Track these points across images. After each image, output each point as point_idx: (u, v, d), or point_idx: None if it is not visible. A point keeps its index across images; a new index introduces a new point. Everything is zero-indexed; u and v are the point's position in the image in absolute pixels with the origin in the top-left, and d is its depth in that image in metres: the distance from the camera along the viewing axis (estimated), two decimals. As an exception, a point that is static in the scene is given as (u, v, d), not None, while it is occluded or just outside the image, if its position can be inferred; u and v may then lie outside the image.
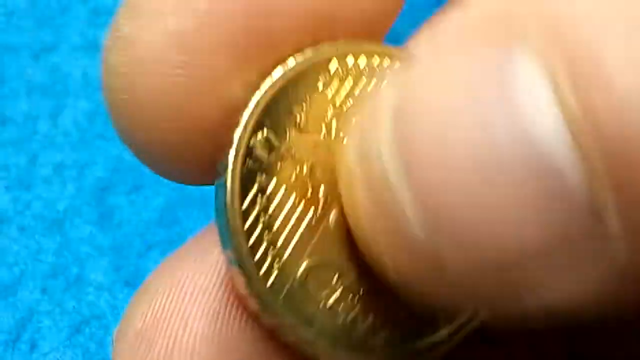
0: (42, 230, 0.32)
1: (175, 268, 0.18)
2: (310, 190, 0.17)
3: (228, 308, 0.18)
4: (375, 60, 0.18)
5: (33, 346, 0.30)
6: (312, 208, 0.17)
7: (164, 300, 0.18)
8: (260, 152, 0.17)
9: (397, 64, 0.18)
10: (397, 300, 0.16)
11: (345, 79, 0.17)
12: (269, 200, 0.17)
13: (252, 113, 0.17)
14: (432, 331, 0.17)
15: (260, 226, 0.17)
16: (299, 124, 0.17)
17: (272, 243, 0.17)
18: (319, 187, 0.17)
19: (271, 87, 0.17)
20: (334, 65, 0.17)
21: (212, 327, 0.18)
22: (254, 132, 0.17)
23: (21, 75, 0.34)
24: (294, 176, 0.17)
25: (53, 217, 0.32)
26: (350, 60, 0.17)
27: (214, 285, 0.18)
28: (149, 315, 0.18)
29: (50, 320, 0.30)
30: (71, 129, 0.33)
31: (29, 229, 0.32)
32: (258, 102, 0.17)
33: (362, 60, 0.18)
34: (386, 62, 0.18)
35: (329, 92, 0.17)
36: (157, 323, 0.18)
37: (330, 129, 0.17)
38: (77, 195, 0.32)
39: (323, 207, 0.17)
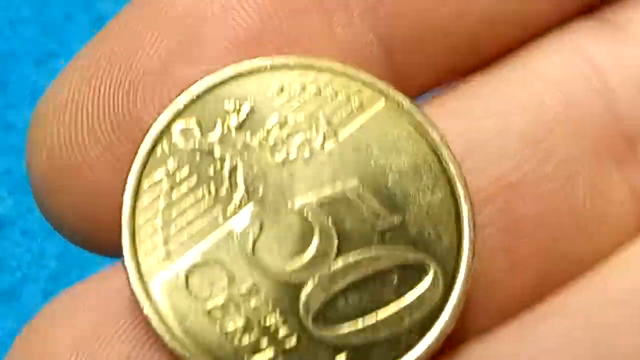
0: (44, 234, 0.32)
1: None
2: (225, 189, 0.16)
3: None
4: (339, 84, 0.17)
5: (35, 349, 0.30)
6: (221, 206, 0.16)
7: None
8: (178, 138, 0.16)
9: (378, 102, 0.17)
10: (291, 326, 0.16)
11: (302, 93, 0.17)
12: (174, 185, 0.16)
13: (177, 101, 0.17)
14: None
15: (155, 208, 0.16)
16: (236, 122, 0.17)
17: (164, 226, 0.16)
18: (236, 188, 0.16)
19: (210, 79, 0.17)
20: (295, 75, 0.17)
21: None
22: (175, 119, 0.17)
23: (24, 82, 0.35)
24: (211, 170, 0.17)
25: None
26: (315, 77, 0.17)
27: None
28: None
29: (52, 323, 0.30)
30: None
31: (32, 233, 0.32)
32: (189, 92, 0.17)
33: (329, 80, 0.17)
34: (363, 91, 0.17)
35: (279, 100, 0.17)
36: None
37: (268, 135, 0.17)
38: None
39: (234, 211, 0.16)
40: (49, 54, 0.35)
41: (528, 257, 0.18)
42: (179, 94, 0.17)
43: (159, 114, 0.17)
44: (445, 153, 0.17)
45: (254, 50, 0.17)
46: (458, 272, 0.17)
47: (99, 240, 0.17)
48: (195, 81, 0.17)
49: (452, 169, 0.17)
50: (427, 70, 0.19)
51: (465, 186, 0.17)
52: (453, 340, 0.17)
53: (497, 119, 0.18)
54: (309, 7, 0.18)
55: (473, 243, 0.17)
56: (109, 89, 0.17)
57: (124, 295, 0.16)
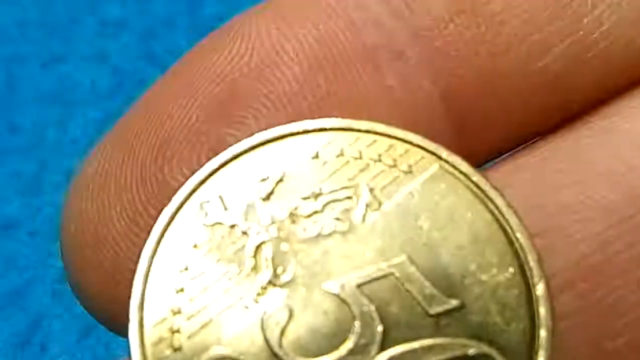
0: (51, 235, 0.32)
1: None
2: (248, 270, 0.14)
3: None
4: (396, 148, 0.15)
5: (43, 349, 0.30)
6: (243, 291, 0.14)
7: None
8: (199, 212, 0.14)
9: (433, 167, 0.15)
10: None
11: (340, 157, 0.15)
12: (197, 261, 0.14)
13: (200, 171, 0.15)
14: None
15: (169, 291, 0.14)
16: (264, 193, 0.15)
17: (178, 312, 0.14)
18: (261, 268, 0.14)
19: (236, 147, 0.15)
20: (332, 139, 0.15)
21: None
22: (196, 190, 0.15)
23: (31, 84, 0.35)
24: (233, 248, 0.14)
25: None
26: (355, 139, 0.15)
27: None
28: None
29: (60, 323, 0.31)
30: (79, 136, 0.34)
31: (39, 234, 0.32)
32: (213, 161, 0.15)
33: (370, 143, 0.15)
34: (410, 154, 0.15)
35: (313, 167, 0.15)
36: None
37: (299, 207, 0.15)
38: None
39: (257, 295, 0.14)
40: (55, 57, 0.35)
41: (625, 352, 0.15)
42: (211, 159, 0.15)
43: (186, 181, 0.15)
44: (512, 222, 0.14)
45: (295, 109, 0.16)
46: None
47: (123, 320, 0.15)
48: (231, 143, 0.15)
49: (522, 240, 0.14)
50: (493, 131, 0.16)
51: (539, 261, 0.14)
52: None
53: (577, 189, 0.15)
54: (357, 58, 0.16)
55: (551, 332, 0.14)
56: (139, 154, 0.16)
57: None
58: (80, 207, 0.16)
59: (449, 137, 0.16)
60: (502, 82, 0.16)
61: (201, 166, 0.15)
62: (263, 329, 0.14)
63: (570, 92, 0.16)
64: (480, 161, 0.16)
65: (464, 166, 0.15)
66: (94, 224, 0.16)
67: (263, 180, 0.15)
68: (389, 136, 0.15)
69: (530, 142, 0.17)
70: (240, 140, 0.15)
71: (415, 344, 0.14)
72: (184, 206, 0.14)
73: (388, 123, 0.15)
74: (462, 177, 0.15)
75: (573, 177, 0.16)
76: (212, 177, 0.15)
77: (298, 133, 0.15)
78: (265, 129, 0.15)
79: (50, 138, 0.34)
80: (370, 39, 0.16)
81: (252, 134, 0.15)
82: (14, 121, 0.34)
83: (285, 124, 0.15)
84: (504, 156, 0.17)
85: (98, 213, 0.16)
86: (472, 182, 0.15)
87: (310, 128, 0.15)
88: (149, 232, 0.14)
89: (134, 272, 0.14)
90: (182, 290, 0.14)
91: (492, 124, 0.16)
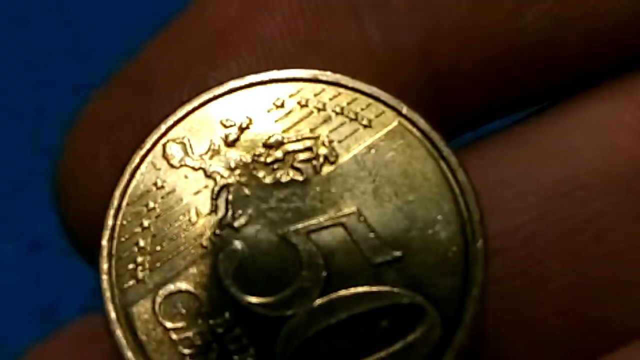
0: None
1: None
2: (208, 210, 0.15)
3: None
4: (358, 101, 0.16)
5: (72, 364, 0.31)
6: (201, 229, 0.15)
7: None
8: (172, 149, 0.15)
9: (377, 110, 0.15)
10: None
11: (304, 108, 0.16)
12: (156, 204, 0.15)
13: (173, 115, 0.16)
14: None
15: (137, 226, 0.15)
16: (229, 139, 0.15)
17: (144, 246, 0.15)
18: (220, 209, 0.15)
19: (205, 94, 0.16)
20: (297, 89, 0.16)
21: None
22: (168, 131, 0.16)
23: (61, 109, 0.36)
24: (195, 188, 0.15)
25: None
26: (319, 91, 0.16)
27: None
28: None
29: (88, 340, 0.31)
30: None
31: (68, 253, 0.33)
32: (181, 107, 0.16)
33: (333, 95, 0.16)
34: (371, 108, 0.15)
35: (277, 116, 0.16)
36: None
37: (262, 155, 0.15)
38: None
39: (214, 235, 0.15)
40: (84, 82, 0.36)
41: (549, 320, 0.16)
42: (194, 97, 0.16)
43: (159, 124, 0.16)
44: (461, 180, 0.15)
45: (277, 54, 0.16)
46: (459, 323, 0.14)
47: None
48: (219, 84, 0.16)
49: (469, 199, 0.15)
50: (471, 95, 0.17)
51: (482, 221, 0.15)
52: None
53: (520, 167, 0.16)
54: (340, 5, 0.16)
55: (482, 290, 0.14)
56: (125, 93, 0.17)
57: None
58: (72, 144, 0.17)
59: (426, 94, 0.16)
60: (482, 40, 0.16)
61: (174, 110, 0.16)
62: (217, 267, 0.15)
63: (550, 59, 0.17)
64: (459, 126, 0.17)
65: (422, 123, 0.15)
66: (82, 159, 0.17)
67: (229, 126, 0.15)
68: (353, 89, 0.15)
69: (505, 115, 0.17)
70: (222, 83, 0.16)
71: (354, 290, 0.14)
72: (155, 148, 0.15)
73: (353, 76, 0.16)
74: (419, 134, 0.15)
75: (519, 153, 0.16)
76: (183, 121, 0.16)
77: (266, 82, 0.16)
78: (248, 74, 0.16)
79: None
80: None
81: (235, 78, 0.16)
82: (45, 145, 0.35)
83: (266, 69, 0.16)
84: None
85: (87, 148, 0.17)
86: (429, 139, 0.15)
87: (277, 77, 0.16)
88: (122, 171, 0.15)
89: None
90: (147, 227, 0.15)
91: (470, 86, 0.17)
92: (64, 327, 0.17)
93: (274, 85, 0.16)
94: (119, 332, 0.15)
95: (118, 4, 0.38)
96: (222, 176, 0.15)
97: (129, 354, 0.15)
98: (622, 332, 0.16)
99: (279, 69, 0.16)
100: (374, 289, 0.14)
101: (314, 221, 0.15)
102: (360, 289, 0.15)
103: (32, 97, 0.36)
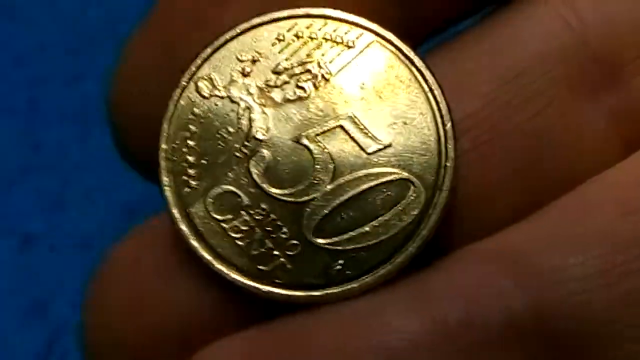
0: (72, 250, 0.33)
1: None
2: (241, 128, 0.20)
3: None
4: (341, 28, 0.20)
5: (63, 362, 0.31)
6: (237, 143, 0.19)
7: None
8: (202, 85, 0.20)
9: (364, 36, 0.20)
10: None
11: (298, 40, 0.20)
12: (200, 125, 0.20)
13: (200, 56, 0.20)
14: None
15: (186, 146, 0.19)
16: (245, 71, 0.20)
17: (195, 161, 0.19)
18: (249, 127, 0.20)
19: (223, 36, 0.20)
20: (292, 25, 0.20)
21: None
22: (197, 70, 0.20)
23: (53, 104, 0.36)
24: (229, 112, 0.20)
25: (84, 237, 0.33)
26: (310, 24, 0.20)
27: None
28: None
29: (80, 337, 0.31)
30: (101, 154, 0.34)
31: (60, 249, 0.33)
32: (206, 48, 0.20)
33: (322, 26, 0.20)
34: (352, 32, 0.20)
35: (278, 49, 0.20)
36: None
37: (270, 80, 0.20)
38: (105, 217, 0.34)
39: (247, 146, 0.19)
40: (77, 76, 0.36)
41: (507, 177, 0.20)
42: (212, 39, 0.20)
43: (196, 55, 0.20)
44: (430, 79, 0.20)
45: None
46: (438, 188, 0.19)
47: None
48: (231, 27, 0.20)
49: (437, 95, 0.19)
50: (432, 12, 0.20)
51: (449, 108, 0.19)
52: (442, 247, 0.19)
53: (479, 61, 0.20)
54: None
55: (454, 162, 0.19)
56: (159, 36, 0.20)
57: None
58: (120, 74, 0.21)
59: (395, 16, 0.20)
60: None
61: (197, 55, 0.20)
62: (250, 170, 0.19)
63: None
64: (425, 35, 0.21)
65: (394, 39, 0.20)
66: (132, 96, 0.20)
67: (244, 61, 0.20)
68: (337, 19, 0.20)
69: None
70: (235, 24, 0.20)
71: (355, 174, 0.19)
72: (189, 85, 0.20)
73: (335, 7, 0.20)
74: (393, 48, 0.20)
75: (475, 51, 0.20)
76: (207, 61, 0.20)
77: (268, 22, 0.20)
78: (253, 17, 0.20)
79: (72, 156, 0.35)
80: None
81: (243, 21, 0.20)
82: (37, 139, 0.35)
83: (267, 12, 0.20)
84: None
85: (136, 87, 0.20)
86: (400, 51, 0.20)
87: (276, 17, 0.20)
88: (166, 105, 0.20)
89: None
90: (193, 147, 0.20)
91: (430, 5, 0.20)
92: (136, 227, 0.21)
93: (274, 23, 0.20)
94: (183, 227, 0.19)
95: (111, -3, 0.38)
96: (243, 100, 0.20)
97: (194, 243, 0.19)
98: (567, 182, 0.20)
99: (277, 10, 0.20)
100: (371, 170, 0.19)
101: (319, 127, 0.20)
102: (360, 173, 0.19)
103: (23, 92, 0.36)
